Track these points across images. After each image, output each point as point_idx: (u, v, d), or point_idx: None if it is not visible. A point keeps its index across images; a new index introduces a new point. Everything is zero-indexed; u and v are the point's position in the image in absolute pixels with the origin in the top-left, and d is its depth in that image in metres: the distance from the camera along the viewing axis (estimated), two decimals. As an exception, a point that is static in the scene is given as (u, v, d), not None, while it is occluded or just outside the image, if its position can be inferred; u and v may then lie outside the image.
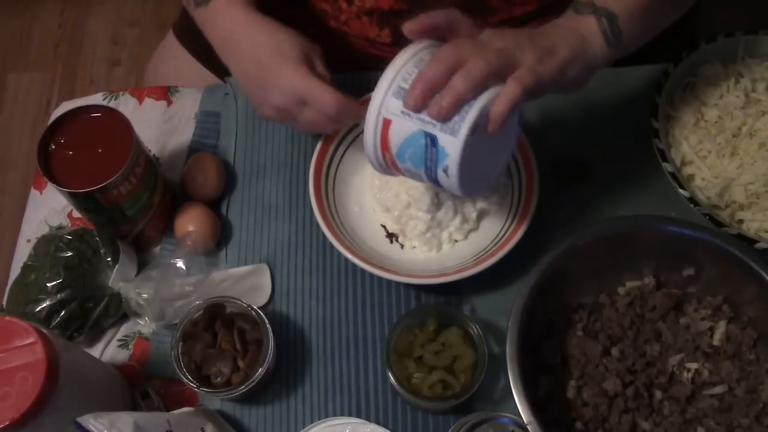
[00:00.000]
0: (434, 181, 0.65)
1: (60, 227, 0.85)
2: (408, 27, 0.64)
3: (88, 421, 0.57)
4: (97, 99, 0.93)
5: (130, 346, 0.78)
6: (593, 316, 0.73)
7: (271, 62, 0.71)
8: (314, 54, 0.73)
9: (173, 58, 1.05)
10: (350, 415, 0.73)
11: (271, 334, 0.70)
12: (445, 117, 0.60)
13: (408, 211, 0.79)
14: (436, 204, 0.78)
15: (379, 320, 0.78)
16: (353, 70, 0.89)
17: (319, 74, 0.72)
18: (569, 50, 0.65)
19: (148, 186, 0.77)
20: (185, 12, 1.05)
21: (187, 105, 0.92)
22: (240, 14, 0.74)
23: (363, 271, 0.75)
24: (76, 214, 0.85)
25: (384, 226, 0.81)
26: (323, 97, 0.69)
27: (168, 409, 0.73)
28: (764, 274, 0.67)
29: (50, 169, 0.73)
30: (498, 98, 0.61)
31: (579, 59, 0.66)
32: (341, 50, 0.90)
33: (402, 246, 0.80)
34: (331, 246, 0.76)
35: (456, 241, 0.80)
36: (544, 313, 0.71)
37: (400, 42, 0.88)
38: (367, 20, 0.87)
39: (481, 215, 0.80)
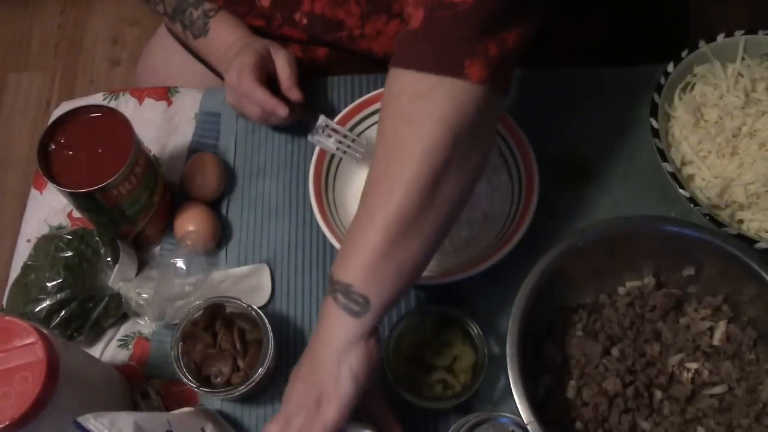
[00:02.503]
0: None
1: (60, 227, 0.85)
2: None
3: (89, 420, 0.57)
4: (97, 99, 0.93)
5: (130, 346, 0.78)
6: (593, 316, 0.73)
7: (231, 65, 0.82)
8: (277, 58, 0.83)
9: (163, 49, 1.05)
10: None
11: (271, 334, 0.70)
12: None
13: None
14: None
15: (379, 320, 0.77)
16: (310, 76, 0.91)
17: (281, 75, 0.83)
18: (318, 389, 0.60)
19: (148, 186, 0.77)
20: None
21: (187, 105, 0.92)
22: (235, 36, 0.86)
23: (363, 271, 0.75)
24: (76, 214, 0.85)
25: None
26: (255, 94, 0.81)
27: (168, 409, 0.73)
28: (764, 274, 0.67)
29: (50, 169, 0.73)
30: None
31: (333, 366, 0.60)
32: None
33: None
34: (331, 246, 0.76)
35: (456, 246, 0.79)
36: (544, 313, 0.71)
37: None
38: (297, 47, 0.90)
39: (485, 220, 0.80)
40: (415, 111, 0.59)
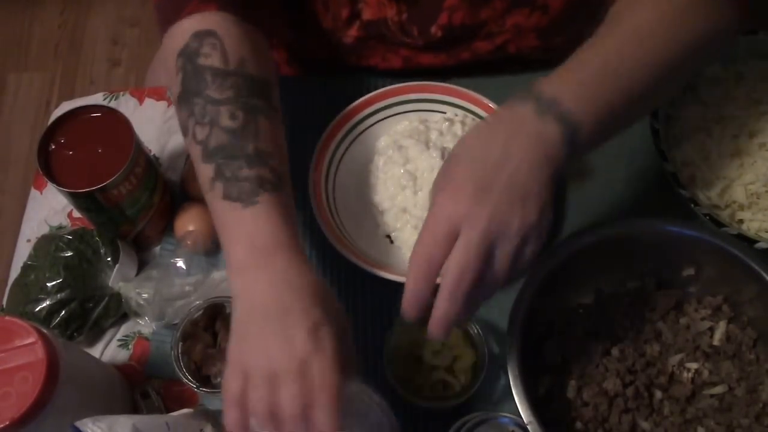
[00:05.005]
0: None
1: (60, 227, 0.85)
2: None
3: (87, 425, 0.57)
4: (97, 99, 0.93)
5: (130, 346, 0.78)
6: (593, 316, 0.73)
7: (313, 298, 0.57)
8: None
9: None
10: (350, 415, 0.73)
11: (271, 334, 0.70)
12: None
13: (405, 216, 0.79)
14: None
15: (379, 320, 0.77)
16: (352, 72, 0.89)
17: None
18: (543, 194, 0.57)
19: (148, 186, 0.77)
20: None
21: (187, 105, 0.92)
22: (278, 239, 0.59)
23: (363, 271, 0.75)
24: (76, 213, 0.85)
25: (383, 226, 0.81)
26: (332, 376, 0.54)
27: (168, 409, 0.73)
28: (764, 274, 0.67)
29: (50, 169, 0.73)
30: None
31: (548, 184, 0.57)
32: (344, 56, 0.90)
33: (401, 246, 0.80)
34: (331, 246, 0.76)
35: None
36: (544, 313, 0.71)
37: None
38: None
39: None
40: None
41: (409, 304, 0.57)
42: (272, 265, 0.58)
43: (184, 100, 0.64)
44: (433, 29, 0.81)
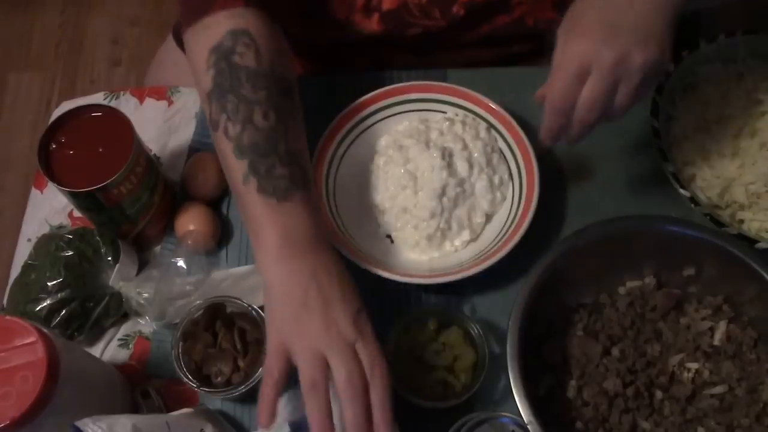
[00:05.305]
0: None
1: (60, 226, 0.85)
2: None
3: (87, 425, 0.57)
4: (98, 98, 0.93)
5: (130, 346, 0.78)
6: (593, 316, 0.73)
7: (348, 288, 0.64)
8: None
9: (173, 65, 1.04)
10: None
11: (271, 334, 0.70)
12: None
13: (405, 216, 0.79)
14: (443, 228, 0.78)
15: (379, 320, 0.77)
16: (367, 69, 0.90)
17: None
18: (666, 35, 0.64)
19: (149, 185, 0.77)
20: None
21: (188, 105, 0.92)
22: (304, 236, 0.64)
23: (363, 271, 0.75)
24: (77, 213, 0.85)
25: (383, 226, 0.81)
26: (380, 355, 0.61)
27: (169, 409, 0.73)
28: (764, 274, 0.67)
29: (51, 168, 0.73)
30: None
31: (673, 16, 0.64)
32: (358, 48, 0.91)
33: (401, 246, 0.80)
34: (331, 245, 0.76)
35: (457, 246, 0.79)
36: (544, 313, 0.71)
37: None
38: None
39: (487, 220, 0.80)
40: None
41: (546, 136, 0.69)
42: (310, 256, 0.63)
43: (217, 96, 0.66)
44: (455, 8, 0.82)
